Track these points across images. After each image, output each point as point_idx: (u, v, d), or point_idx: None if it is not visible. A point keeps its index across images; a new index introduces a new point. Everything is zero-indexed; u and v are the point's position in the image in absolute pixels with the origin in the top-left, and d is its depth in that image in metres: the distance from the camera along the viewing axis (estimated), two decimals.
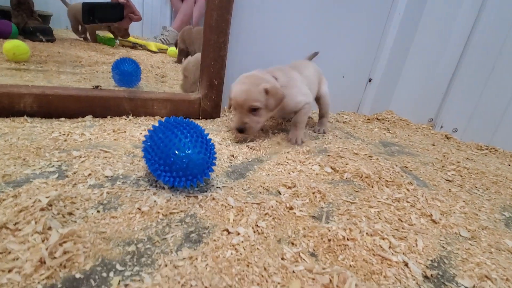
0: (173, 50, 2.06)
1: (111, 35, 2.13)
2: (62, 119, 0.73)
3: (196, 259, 0.33)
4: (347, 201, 0.54)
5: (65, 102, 0.73)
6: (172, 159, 0.44)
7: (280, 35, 1.09)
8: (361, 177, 0.65)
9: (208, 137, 0.49)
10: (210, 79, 0.91)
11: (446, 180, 0.74)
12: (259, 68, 0.84)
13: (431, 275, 0.38)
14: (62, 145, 0.58)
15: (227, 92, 0.99)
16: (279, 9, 1.04)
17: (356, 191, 0.59)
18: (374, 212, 0.51)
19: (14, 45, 1.22)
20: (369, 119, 1.39)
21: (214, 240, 0.37)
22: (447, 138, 1.24)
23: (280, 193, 0.53)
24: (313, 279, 0.32)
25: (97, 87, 0.82)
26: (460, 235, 0.49)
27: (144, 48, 2.22)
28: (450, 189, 0.68)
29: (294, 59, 1.17)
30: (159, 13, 2.75)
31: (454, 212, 0.56)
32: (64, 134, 0.63)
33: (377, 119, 1.42)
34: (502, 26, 1.11)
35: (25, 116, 0.69)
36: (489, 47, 1.14)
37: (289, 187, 0.55)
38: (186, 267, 0.32)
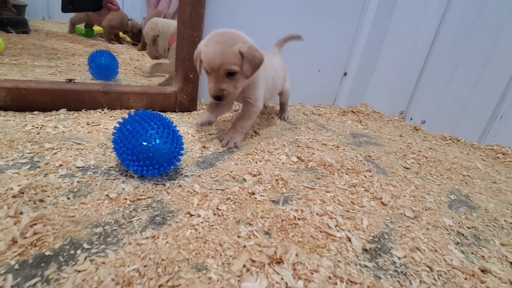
0: None
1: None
2: (36, 112, 0.74)
3: (158, 237, 0.37)
4: (307, 187, 0.59)
5: (39, 96, 0.74)
6: (139, 149, 0.47)
7: (256, 30, 1.12)
8: (324, 166, 0.70)
9: (176, 129, 0.52)
10: (186, 73, 0.93)
11: (404, 167, 0.81)
12: None
13: (370, 248, 0.44)
14: (34, 138, 0.60)
15: (203, 86, 1.02)
16: (255, 4, 1.07)
17: (318, 178, 0.64)
18: (330, 196, 0.56)
19: None
20: (344, 112, 1.45)
21: (177, 222, 0.41)
22: (416, 129, 1.32)
23: (245, 181, 0.57)
24: (260, 251, 0.37)
25: (70, 80, 0.83)
26: (404, 215, 0.55)
27: (123, 40, 2.19)
28: (405, 176, 0.74)
29: (267, 50, 1.20)
30: (140, 5, 2.70)
31: (404, 196, 0.63)
32: (37, 127, 0.65)
33: (352, 111, 1.48)
34: (467, 22, 1.18)
35: None
36: (455, 42, 1.22)
37: (254, 175, 0.59)
38: (147, 245, 0.36)
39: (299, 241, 0.42)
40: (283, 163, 0.69)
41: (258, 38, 1.16)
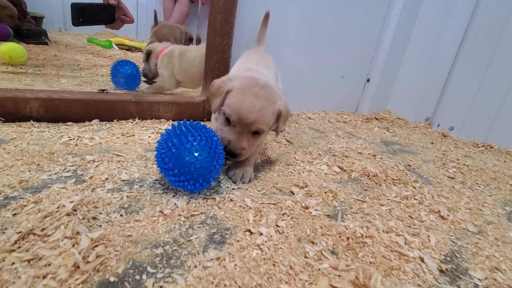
0: None
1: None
2: (69, 123, 0.72)
3: (224, 259, 0.34)
4: (358, 200, 0.56)
5: (72, 106, 0.72)
6: (181, 163, 0.44)
7: (282, 37, 1.11)
8: (368, 176, 0.66)
9: (218, 142, 0.50)
10: None
11: (448, 177, 0.76)
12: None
13: (446, 269, 0.40)
14: (74, 150, 0.58)
15: None
16: (280, 12, 1.05)
17: (365, 190, 0.61)
18: (385, 209, 0.53)
19: (10, 47, 1.20)
20: (368, 119, 1.41)
21: (238, 241, 0.38)
22: (444, 136, 1.27)
23: (293, 193, 0.54)
24: (339, 276, 0.33)
25: (103, 90, 0.82)
26: (468, 230, 0.51)
27: (139, 50, 2.21)
28: (453, 186, 0.70)
29: (296, 61, 1.18)
30: (153, 16, 2.73)
31: (459, 208, 0.58)
32: (73, 139, 0.63)
33: (376, 118, 1.45)
34: (496, 26, 1.14)
35: (31, 121, 0.69)
36: (483, 47, 1.18)
37: (301, 187, 0.56)
38: (215, 268, 0.33)
39: (371, 262, 0.38)
40: (325, 173, 0.66)
41: (284, 45, 1.15)
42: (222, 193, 0.50)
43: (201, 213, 0.43)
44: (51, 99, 0.70)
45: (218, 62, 0.89)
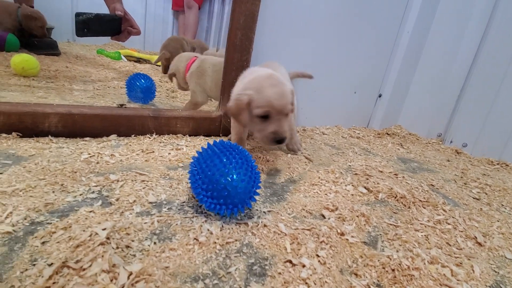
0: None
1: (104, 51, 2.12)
2: (87, 138, 0.71)
3: None
4: (391, 224, 0.53)
5: (91, 121, 0.71)
6: (215, 185, 0.42)
7: (297, 53, 1.11)
8: (395, 198, 0.64)
9: (254, 164, 0.48)
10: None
11: (473, 198, 0.74)
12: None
13: None
14: (95, 168, 0.56)
15: None
16: (297, 29, 1.06)
17: (395, 213, 0.59)
18: (421, 236, 0.50)
19: (23, 59, 1.19)
20: (379, 134, 1.40)
21: (280, 273, 0.36)
22: (458, 153, 1.26)
23: (324, 217, 0.52)
24: None
25: (122, 105, 0.81)
26: (505, 257, 0.49)
27: (148, 62, 2.22)
28: (481, 208, 0.68)
29: (312, 74, 1.18)
30: (161, 27, 2.77)
31: (493, 233, 0.56)
32: (94, 155, 0.61)
33: (387, 133, 1.43)
34: (510, 41, 1.15)
35: (49, 136, 0.67)
36: (497, 62, 1.18)
37: (332, 210, 0.54)
38: None
39: None
40: (352, 194, 0.64)
41: (301, 61, 1.15)
42: (253, 218, 0.48)
43: (236, 240, 0.41)
44: (70, 114, 0.69)
45: (236, 78, 0.89)
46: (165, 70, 1.92)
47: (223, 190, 0.42)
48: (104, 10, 1.15)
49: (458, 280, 0.40)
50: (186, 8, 2.25)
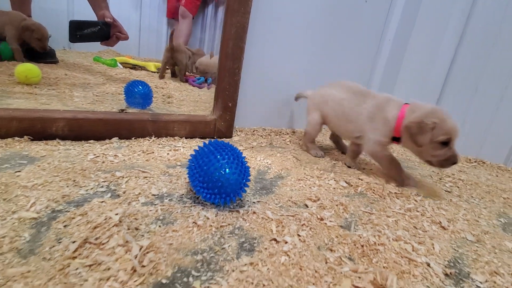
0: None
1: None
2: (91, 141, 0.77)
3: (257, 264, 0.38)
4: (366, 212, 0.61)
5: (95, 125, 0.77)
6: (210, 177, 0.49)
7: (284, 62, 1.19)
8: (373, 190, 0.72)
9: (244, 160, 0.55)
10: (225, 102, 0.97)
11: (445, 191, 0.82)
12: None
13: (450, 273, 0.44)
14: (102, 167, 0.62)
15: (240, 114, 1.06)
16: (283, 39, 1.14)
17: (371, 203, 0.66)
18: (392, 221, 0.58)
19: (27, 68, 1.25)
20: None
21: (266, 248, 0.42)
22: None
23: (307, 206, 0.59)
24: (359, 277, 0.38)
25: (122, 110, 0.87)
26: (467, 239, 0.56)
27: (143, 68, 2.28)
28: (451, 199, 0.76)
29: (297, 81, 1.26)
30: (155, 36, 2.84)
31: (458, 220, 0.64)
32: (99, 156, 0.67)
33: None
34: (484, 47, 1.25)
35: (57, 139, 0.73)
36: (473, 65, 1.28)
37: (314, 201, 0.61)
38: (251, 271, 0.37)
39: (384, 267, 0.43)
40: (334, 188, 0.71)
41: (289, 68, 1.22)
42: (244, 206, 0.54)
43: (229, 224, 0.48)
44: (76, 118, 0.75)
45: (229, 84, 0.96)
46: (162, 75, 1.99)
47: (217, 182, 0.49)
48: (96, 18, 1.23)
49: (418, 254, 0.47)
50: (180, 18, 2.33)
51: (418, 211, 0.64)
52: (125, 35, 1.30)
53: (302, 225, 0.50)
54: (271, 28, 1.09)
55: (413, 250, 0.47)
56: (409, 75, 1.49)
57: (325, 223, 0.52)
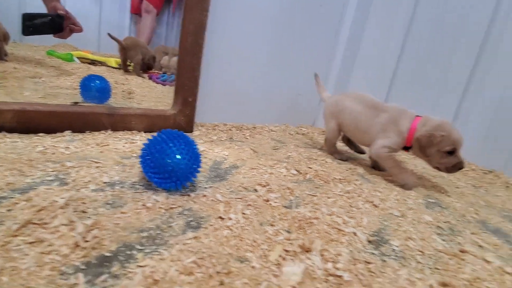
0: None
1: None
2: (41, 134, 0.75)
3: (201, 237, 0.42)
4: (310, 195, 0.67)
5: (45, 118, 0.75)
6: (161, 163, 0.52)
7: (245, 59, 1.24)
8: (319, 176, 0.79)
9: (195, 147, 0.58)
10: (185, 97, 1.00)
11: (384, 179, 0.92)
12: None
13: (373, 240, 0.52)
14: (51, 158, 0.62)
15: (201, 109, 1.09)
16: (245, 35, 1.19)
17: (317, 188, 0.73)
18: (331, 201, 0.65)
19: None
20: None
21: (211, 225, 0.46)
22: None
23: (257, 190, 0.64)
24: (291, 243, 0.43)
25: (76, 103, 0.85)
26: (393, 214, 0.65)
27: (103, 64, 2.20)
28: (387, 184, 0.85)
29: (258, 78, 1.32)
30: (117, 31, 2.74)
31: (389, 199, 0.73)
32: (49, 148, 0.66)
33: None
34: (428, 43, 1.40)
35: (3, 132, 0.70)
36: (418, 63, 1.44)
37: (264, 186, 0.66)
38: (194, 243, 0.40)
39: (316, 236, 0.49)
40: (284, 175, 0.77)
41: (248, 66, 1.28)
42: (196, 191, 0.58)
43: (179, 206, 0.51)
44: (25, 111, 0.73)
45: (188, 79, 0.98)
46: (126, 69, 1.95)
47: (167, 166, 0.52)
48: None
49: (347, 225, 0.54)
50: (143, 13, 2.28)
51: (356, 193, 0.72)
52: (79, 27, 1.27)
53: (248, 205, 0.54)
54: (231, 25, 1.13)
55: (343, 223, 0.54)
56: (361, 76, 1.62)
57: (270, 204, 0.58)
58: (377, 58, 1.56)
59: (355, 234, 0.52)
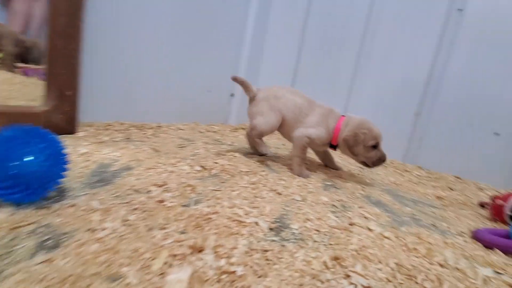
0: None
1: None
2: None
3: (55, 260, 0.32)
4: (215, 190, 0.63)
5: None
6: (6, 171, 0.39)
7: (142, 47, 1.11)
8: (225, 171, 0.76)
9: (59, 146, 0.46)
10: (61, 90, 0.81)
11: (288, 169, 0.96)
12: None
13: (274, 227, 0.51)
14: None
15: (87, 105, 0.91)
16: (142, 21, 1.06)
17: (223, 182, 0.69)
18: (236, 194, 0.62)
19: None
20: (236, 129, 1.58)
21: (76, 241, 0.36)
22: None
23: (150, 192, 0.55)
24: (181, 245, 0.37)
25: None
26: (295, 199, 0.67)
27: None
28: (286, 172, 0.89)
29: (159, 72, 1.20)
30: None
31: (292, 186, 0.75)
32: None
33: (243, 128, 1.64)
34: (322, 41, 1.55)
35: None
36: (316, 55, 1.57)
37: (160, 186, 0.58)
38: (42, 268, 0.30)
39: (215, 233, 0.44)
40: (187, 173, 0.70)
41: (146, 54, 1.15)
42: (63, 201, 0.45)
43: (31, 223, 0.38)
44: None
45: (63, 68, 0.80)
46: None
47: (10, 170, 0.39)
48: None
49: (249, 216, 0.52)
50: None
51: (261, 183, 0.72)
52: None
53: (134, 209, 0.46)
54: (123, 4, 0.99)
55: (245, 214, 0.52)
56: (269, 72, 1.69)
57: (165, 205, 0.50)
58: (282, 57, 1.66)
59: (257, 223, 0.50)
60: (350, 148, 0.89)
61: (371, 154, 0.89)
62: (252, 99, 1.01)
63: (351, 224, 0.56)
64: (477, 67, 1.24)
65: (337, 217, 0.60)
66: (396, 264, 0.44)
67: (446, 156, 1.32)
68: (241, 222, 0.49)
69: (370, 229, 0.56)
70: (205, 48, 1.36)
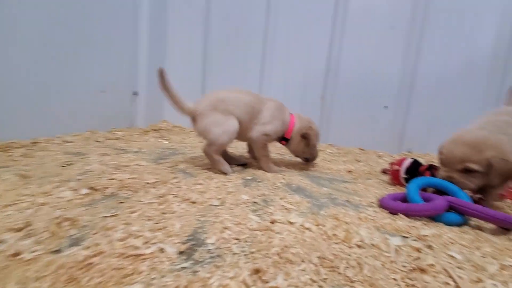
0: None
1: None
2: None
3: None
4: (108, 216, 0.50)
5: None
6: None
7: (7, 49, 0.83)
8: (125, 187, 0.62)
9: None
10: None
11: (205, 169, 0.87)
12: None
13: (185, 249, 0.42)
14: None
15: None
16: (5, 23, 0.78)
17: (121, 203, 0.56)
18: (136, 215, 0.50)
19: None
20: (146, 131, 1.40)
21: None
22: None
23: (4, 242, 0.39)
24: None
25: None
26: (213, 205, 0.59)
27: None
28: (210, 174, 0.81)
29: (23, 74, 0.93)
30: None
31: (210, 189, 0.68)
32: None
33: (154, 129, 1.46)
34: (228, 38, 1.48)
35: None
36: (222, 50, 1.50)
37: (19, 230, 0.42)
38: None
39: (99, 283, 0.33)
40: (68, 201, 0.54)
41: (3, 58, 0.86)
42: None
43: None
44: None
45: None
46: None
47: None
48: None
49: (150, 244, 0.41)
50: None
51: (171, 194, 0.61)
52: None
53: None
54: None
55: (144, 243, 0.41)
56: (176, 62, 1.54)
57: (22, 258, 0.36)
58: (188, 52, 1.53)
59: (162, 250, 0.41)
60: (307, 142, 0.93)
61: (314, 150, 0.96)
62: (194, 116, 0.87)
63: (272, 222, 0.52)
64: (365, 53, 1.39)
65: (258, 215, 0.55)
66: (319, 258, 0.41)
67: (350, 132, 1.45)
68: (138, 256, 0.38)
69: (291, 223, 0.53)
70: (92, 43, 1.13)
